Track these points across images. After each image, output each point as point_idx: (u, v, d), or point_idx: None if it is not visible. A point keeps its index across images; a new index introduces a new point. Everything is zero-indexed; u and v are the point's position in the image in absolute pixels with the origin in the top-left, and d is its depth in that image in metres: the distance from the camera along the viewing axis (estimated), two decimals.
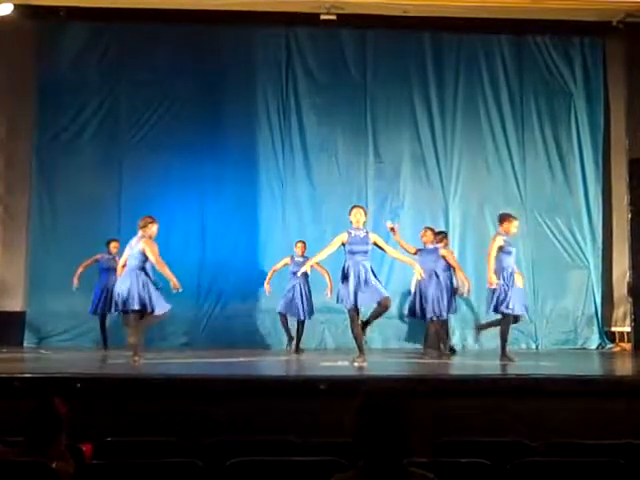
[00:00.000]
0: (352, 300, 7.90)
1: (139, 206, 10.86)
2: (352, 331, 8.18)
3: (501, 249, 8.50)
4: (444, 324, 9.68)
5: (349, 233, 8.11)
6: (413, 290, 9.66)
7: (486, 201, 11.53)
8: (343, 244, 8.11)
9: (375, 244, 8.18)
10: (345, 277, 7.99)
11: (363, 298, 7.95)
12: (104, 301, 10.08)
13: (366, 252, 8.10)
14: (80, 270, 10.25)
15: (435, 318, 9.51)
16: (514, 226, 8.72)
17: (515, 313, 8.59)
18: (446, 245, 9.88)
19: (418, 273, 8.46)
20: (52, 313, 10.89)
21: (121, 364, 8.22)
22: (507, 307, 8.46)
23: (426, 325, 9.82)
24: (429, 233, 9.88)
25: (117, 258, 9.67)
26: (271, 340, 11.00)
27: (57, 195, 11.27)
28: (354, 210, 8.27)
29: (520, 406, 6.03)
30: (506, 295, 8.42)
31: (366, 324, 8.20)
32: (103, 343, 10.29)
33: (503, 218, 8.78)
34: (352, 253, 8.05)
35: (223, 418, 5.73)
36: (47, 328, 10.94)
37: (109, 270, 10.16)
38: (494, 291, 8.44)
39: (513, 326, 10.92)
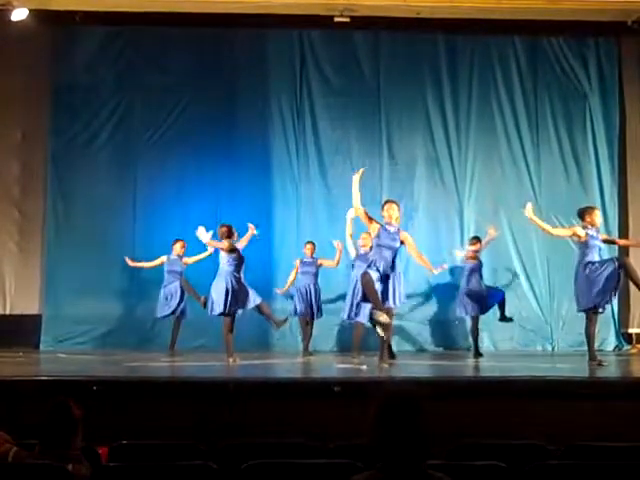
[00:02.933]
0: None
1: (154, 208, 10.95)
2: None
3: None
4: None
5: (381, 227, 7.89)
6: None
7: (501, 202, 11.49)
8: (372, 232, 7.94)
9: (402, 243, 7.99)
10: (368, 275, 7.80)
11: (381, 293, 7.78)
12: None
13: (394, 248, 7.87)
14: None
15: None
16: (596, 215, 8.25)
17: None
18: None
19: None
20: (68, 316, 10.94)
21: (137, 367, 8.25)
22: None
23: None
24: None
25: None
26: (285, 341, 11.00)
27: (72, 198, 11.33)
28: (387, 205, 8.05)
29: (536, 408, 6.00)
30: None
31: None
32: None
33: (583, 212, 8.34)
34: (379, 247, 7.83)
35: (238, 420, 5.73)
36: (63, 331, 10.98)
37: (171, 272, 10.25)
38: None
39: (528, 327, 10.91)
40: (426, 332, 11.25)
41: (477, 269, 9.95)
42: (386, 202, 8.18)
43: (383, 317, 7.64)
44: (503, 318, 10.03)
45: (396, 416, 2.46)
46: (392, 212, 7.93)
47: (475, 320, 9.95)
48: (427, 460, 2.48)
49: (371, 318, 7.98)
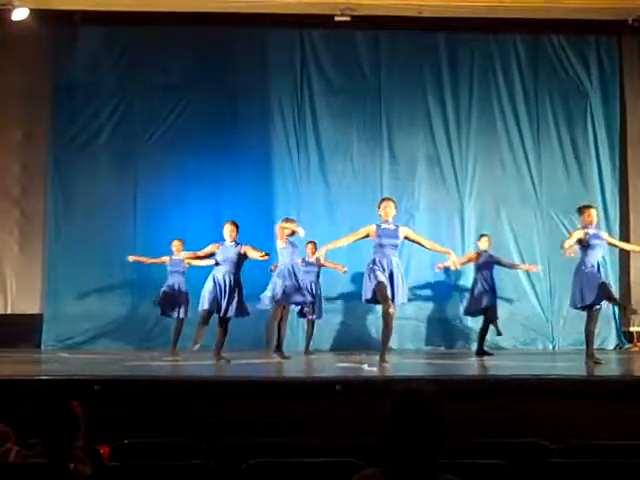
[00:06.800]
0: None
1: (154, 208, 10.95)
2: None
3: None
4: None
5: (377, 226, 7.71)
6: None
7: (502, 201, 11.51)
8: (368, 236, 7.72)
9: (407, 238, 7.85)
10: (372, 272, 7.59)
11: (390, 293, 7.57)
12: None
13: (395, 246, 7.71)
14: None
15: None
16: (589, 214, 8.15)
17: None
18: None
19: (452, 263, 8.06)
20: (69, 315, 10.96)
21: (138, 366, 8.25)
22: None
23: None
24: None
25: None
26: (286, 341, 10.96)
27: (73, 198, 11.34)
28: (384, 203, 7.86)
29: (537, 407, 6.00)
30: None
31: None
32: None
33: (580, 210, 8.31)
34: (381, 246, 7.63)
35: (238, 420, 5.73)
36: (64, 330, 10.99)
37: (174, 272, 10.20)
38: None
39: (529, 326, 10.89)
40: (427, 330, 11.25)
41: (483, 269, 9.92)
42: (382, 200, 8.01)
43: (393, 309, 7.56)
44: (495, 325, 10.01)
45: (412, 414, 2.41)
46: (389, 210, 7.77)
47: (485, 320, 9.93)
48: (437, 460, 2.43)
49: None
